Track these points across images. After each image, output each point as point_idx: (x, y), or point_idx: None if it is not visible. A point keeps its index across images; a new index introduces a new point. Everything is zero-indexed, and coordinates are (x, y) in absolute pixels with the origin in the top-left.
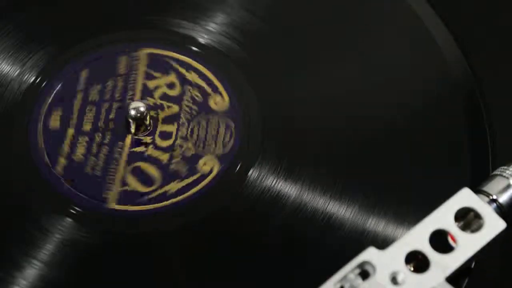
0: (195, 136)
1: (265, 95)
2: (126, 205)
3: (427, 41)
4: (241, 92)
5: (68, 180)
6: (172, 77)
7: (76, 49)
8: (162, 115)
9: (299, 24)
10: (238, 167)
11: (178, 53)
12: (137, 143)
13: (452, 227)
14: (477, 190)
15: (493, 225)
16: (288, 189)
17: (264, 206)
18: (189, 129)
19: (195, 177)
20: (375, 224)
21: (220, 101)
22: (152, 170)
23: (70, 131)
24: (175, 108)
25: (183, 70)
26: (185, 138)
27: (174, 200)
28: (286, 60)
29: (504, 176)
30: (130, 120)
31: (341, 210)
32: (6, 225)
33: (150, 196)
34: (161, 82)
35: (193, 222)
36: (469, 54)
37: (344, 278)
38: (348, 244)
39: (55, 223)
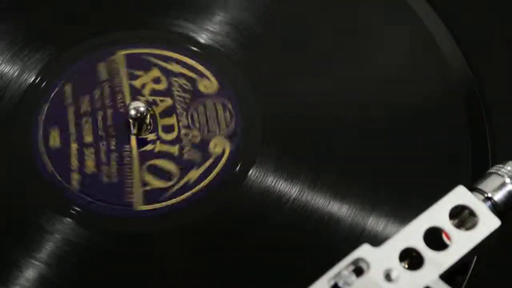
0: (197, 122)
1: (265, 95)
2: (153, 203)
3: (427, 41)
4: (241, 92)
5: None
6: (155, 72)
7: (76, 49)
8: (158, 110)
9: (299, 23)
10: (238, 167)
11: (153, 48)
12: (143, 142)
13: (447, 225)
14: (472, 188)
15: (488, 223)
16: (288, 189)
17: (264, 206)
18: (189, 117)
19: (210, 160)
20: (375, 224)
21: (208, 84)
22: (167, 165)
23: (74, 146)
24: (169, 101)
25: (163, 63)
26: (188, 127)
27: (195, 190)
28: (286, 60)
29: (500, 174)
30: (131, 121)
31: (341, 210)
32: (6, 225)
33: (174, 189)
34: (146, 79)
35: (193, 222)
36: (469, 54)
37: (338, 274)
38: (348, 244)
39: (55, 223)
